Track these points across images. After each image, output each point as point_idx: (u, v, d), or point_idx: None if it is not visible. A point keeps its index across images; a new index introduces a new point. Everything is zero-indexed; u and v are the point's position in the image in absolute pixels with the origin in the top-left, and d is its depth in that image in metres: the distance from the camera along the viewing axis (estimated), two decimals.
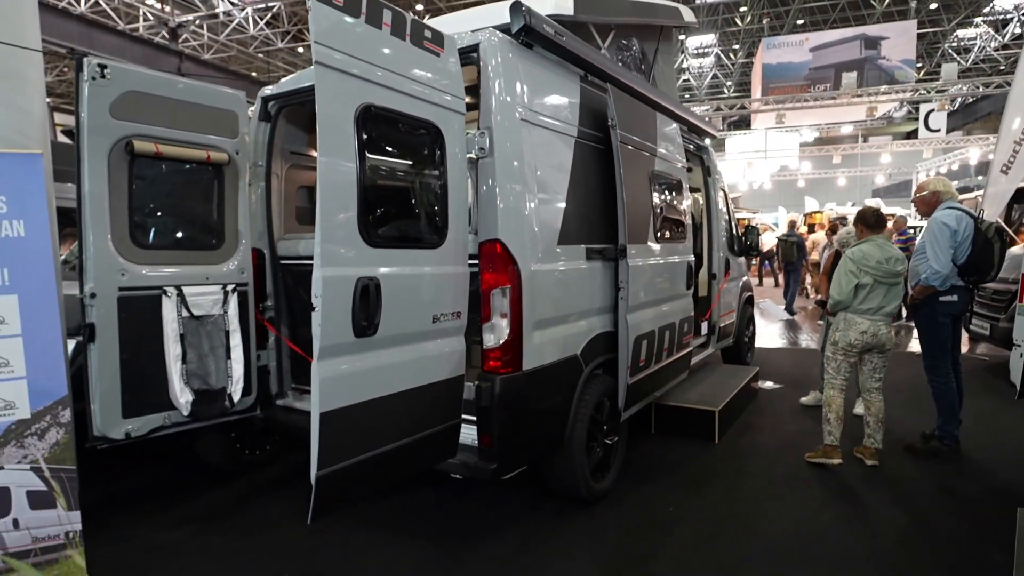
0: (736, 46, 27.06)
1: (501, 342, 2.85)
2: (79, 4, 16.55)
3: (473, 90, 2.96)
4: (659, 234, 4.21)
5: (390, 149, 2.53)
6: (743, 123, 31.27)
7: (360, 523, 3.43)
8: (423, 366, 2.63)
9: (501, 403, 2.84)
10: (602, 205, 3.68)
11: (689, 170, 6.35)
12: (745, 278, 7.34)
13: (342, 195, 2.25)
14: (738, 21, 23.84)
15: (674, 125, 4.80)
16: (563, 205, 3.28)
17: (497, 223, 2.81)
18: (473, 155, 2.86)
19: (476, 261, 2.90)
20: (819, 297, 5.02)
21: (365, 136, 2.34)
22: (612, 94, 3.58)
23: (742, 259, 7.08)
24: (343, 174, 2.26)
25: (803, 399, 5.77)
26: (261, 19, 20.03)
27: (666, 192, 4.47)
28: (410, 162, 2.64)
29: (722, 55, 28.09)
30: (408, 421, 2.58)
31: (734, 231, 6.79)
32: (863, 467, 4.19)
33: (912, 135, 29.29)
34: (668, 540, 3.26)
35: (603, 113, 3.71)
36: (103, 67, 3.00)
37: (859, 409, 4.88)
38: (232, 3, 19.28)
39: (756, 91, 20.20)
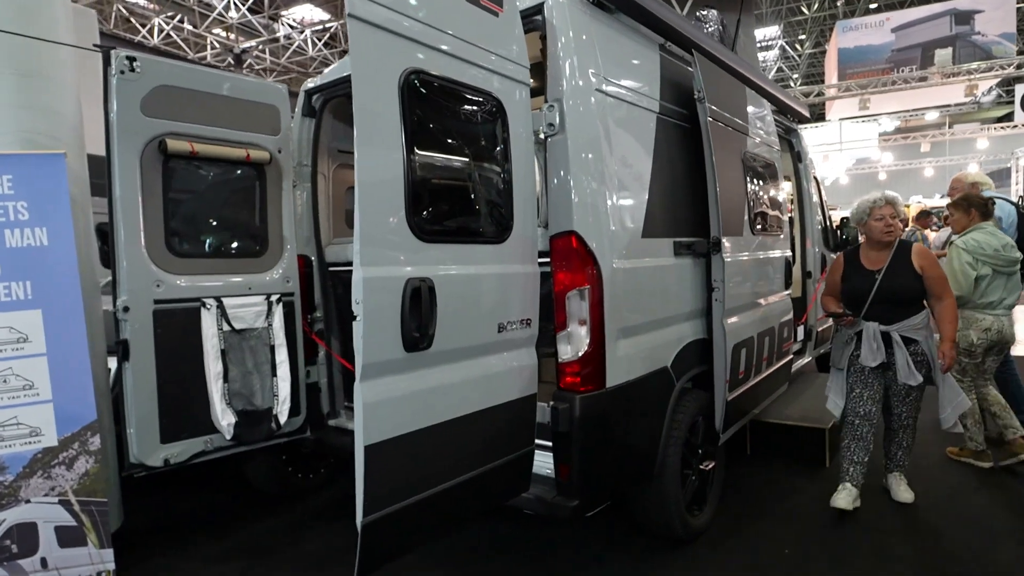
0: (803, 36, 25.59)
1: (580, 354, 2.38)
2: (152, 37, 17.31)
3: (536, 69, 2.52)
4: (755, 225, 3.64)
5: (442, 124, 2.12)
6: (814, 115, 29.54)
7: (421, 559, 3.01)
8: (488, 385, 2.19)
9: (582, 427, 2.36)
10: (690, 192, 3.16)
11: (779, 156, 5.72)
12: None
13: (386, 177, 1.84)
14: (804, 10, 22.51)
15: (764, 102, 4.20)
16: (647, 191, 2.78)
17: (572, 213, 2.35)
18: (541, 133, 2.41)
19: (547, 259, 2.44)
20: None
21: (412, 107, 1.93)
22: (698, 63, 3.06)
23: (837, 255, 6.32)
24: (386, 151, 1.85)
25: None
26: (319, 40, 20.44)
27: (760, 177, 3.88)
28: (467, 141, 2.22)
29: (787, 47, 26.66)
30: (472, 452, 2.14)
31: (828, 223, 6.06)
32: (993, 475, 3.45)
33: (1004, 120, 26.82)
34: None
35: (687, 86, 3.19)
36: (132, 59, 2.73)
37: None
38: (291, 26, 19.77)
39: (831, 79, 18.89)
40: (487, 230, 2.23)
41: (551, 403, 2.39)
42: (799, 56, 27.53)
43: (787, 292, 4.23)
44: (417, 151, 1.94)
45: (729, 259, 3.16)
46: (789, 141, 5.39)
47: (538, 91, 2.52)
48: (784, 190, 4.28)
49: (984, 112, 30.04)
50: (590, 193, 2.42)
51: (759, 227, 3.71)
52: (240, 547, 3.27)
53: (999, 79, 16.24)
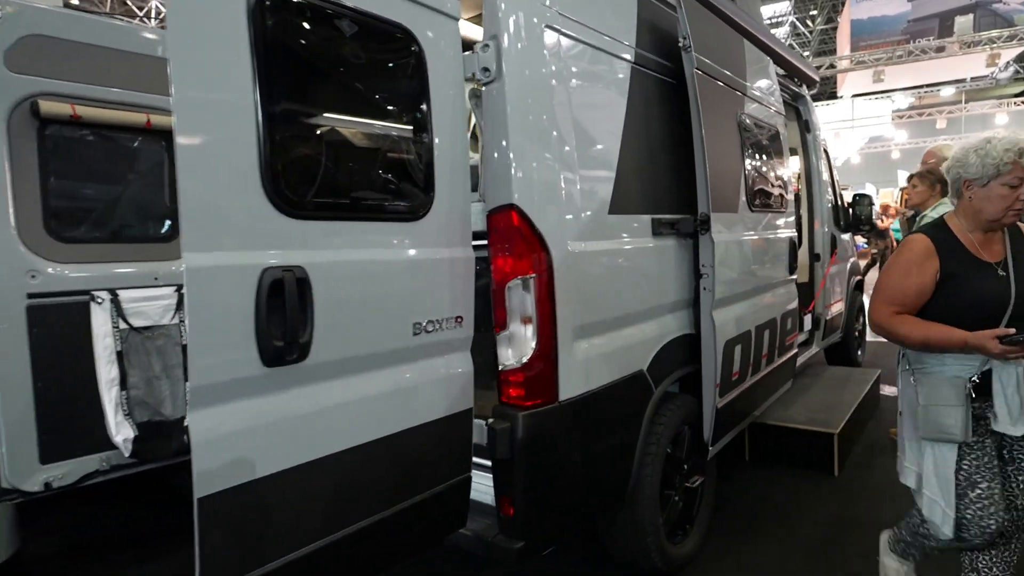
0: (814, 11, 24.62)
1: (524, 360, 1.89)
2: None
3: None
4: (753, 201, 3.12)
5: (320, 61, 1.60)
6: (824, 93, 28.62)
7: None
8: (400, 402, 1.70)
9: (527, 453, 1.88)
10: (674, 160, 2.64)
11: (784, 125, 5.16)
12: (853, 259, 6.02)
13: (225, 124, 1.33)
14: None
15: (767, 60, 3.65)
16: (616, 158, 2.27)
17: (511, 182, 1.85)
18: (474, 80, 1.90)
19: (485, 241, 1.95)
20: None
21: (270, 33, 1.42)
22: (684, 4, 2.54)
23: (848, 236, 5.77)
24: (225, 85, 1.33)
25: None
26: None
27: (761, 145, 3.35)
28: (360, 85, 1.70)
29: (798, 23, 25.68)
30: (378, 490, 1.67)
31: (839, 201, 5.50)
32: None
33: (1021, 95, 25.78)
34: None
35: (671, 32, 2.66)
36: None
37: None
38: None
39: (844, 52, 18.06)
40: (394, 203, 1.72)
41: (488, 421, 1.91)
42: (810, 32, 26.55)
43: (792, 278, 3.72)
44: (278, 94, 1.44)
45: (721, 240, 2.65)
46: (796, 108, 4.83)
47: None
48: (789, 161, 3.75)
49: (1001, 88, 28.94)
50: (536, 157, 1.92)
51: (758, 203, 3.19)
52: (170, 570, 2.83)
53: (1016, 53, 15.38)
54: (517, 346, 1.90)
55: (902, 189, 3.88)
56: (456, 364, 1.87)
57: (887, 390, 5.22)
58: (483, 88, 1.89)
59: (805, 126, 4.88)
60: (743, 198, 2.97)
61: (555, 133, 1.98)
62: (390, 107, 1.76)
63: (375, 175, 1.70)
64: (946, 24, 15.39)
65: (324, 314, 1.47)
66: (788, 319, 3.61)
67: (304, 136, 1.56)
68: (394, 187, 1.73)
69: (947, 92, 26.92)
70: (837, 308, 5.29)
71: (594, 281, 2.12)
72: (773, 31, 26.07)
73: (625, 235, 2.29)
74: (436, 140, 1.77)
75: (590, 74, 2.21)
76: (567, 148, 2.03)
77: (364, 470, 1.61)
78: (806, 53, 29.21)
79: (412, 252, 1.72)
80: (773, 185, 3.48)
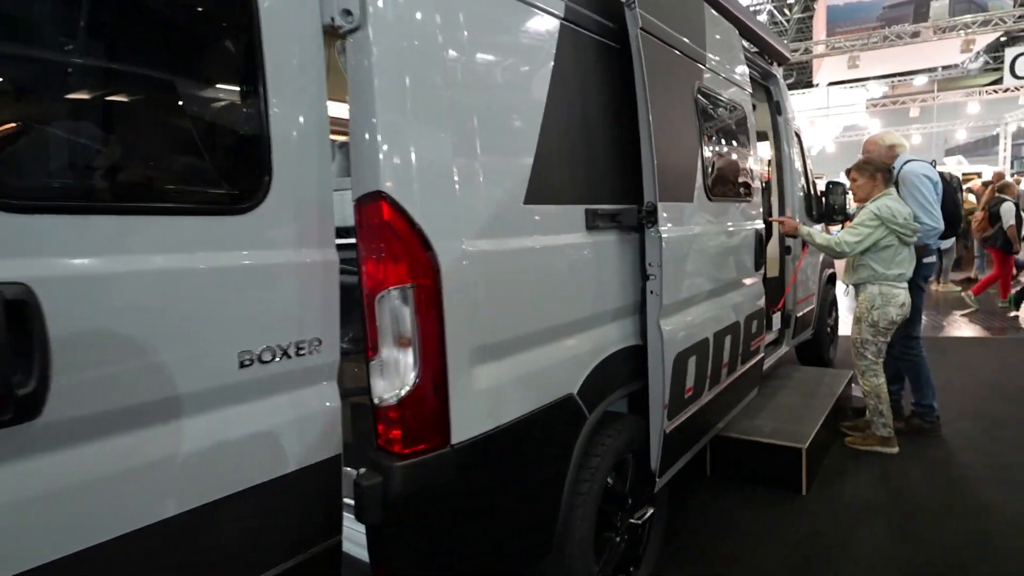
0: (791, 0, 24.35)
1: (402, 394, 1.46)
2: None
3: None
4: (713, 189, 2.71)
5: None
6: (801, 83, 28.47)
7: None
8: (217, 460, 1.26)
9: (405, 516, 1.46)
10: (614, 139, 2.22)
11: (752, 108, 4.77)
12: None
13: None
14: None
15: (732, 30, 3.24)
16: (535, 135, 1.83)
17: (379, 163, 1.41)
18: (334, 28, 1.45)
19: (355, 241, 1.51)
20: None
21: None
22: None
23: (821, 226, 5.43)
24: None
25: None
26: None
27: (723, 124, 2.95)
28: (144, 24, 1.22)
29: (775, 11, 25.41)
30: (208, 568, 1.23)
31: (812, 190, 5.15)
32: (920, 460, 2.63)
33: (991, 84, 25.93)
34: None
35: None
36: None
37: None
38: None
39: (819, 38, 17.80)
40: (202, 190, 1.27)
41: (359, 473, 1.48)
42: (788, 21, 26.33)
43: (759, 275, 3.34)
44: None
45: (671, 235, 2.24)
46: (767, 88, 4.44)
47: None
48: (757, 146, 3.35)
49: (972, 79, 29.13)
50: (417, 131, 1.47)
51: (719, 192, 2.79)
52: None
53: (999, 34, 15.24)
54: (392, 376, 1.46)
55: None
56: (313, 400, 1.42)
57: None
58: (348, 37, 1.43)
59: (776, 108, 4.50)
60: (700, 186, 2.56)
61: (446, 100, 1.54)
62: (188, 56, 1.28)
63: (165, 149, 1.23)
64: (921, 11, 15.18)
65: (69, 351, 1.02)
66: (754, 321, 3.23)
67: (32, 89, 1.09)
68: (201, 167, 1.27)
69: (920, 82, 26.96)
70: (808, 304, 4.95)
71: (503, 288, 1.69)
72: None
73: (547, 230, 1.86)
74: (273, 106, 1.31)
75: (501, 27, 1.76)
76: (465, 120, 1.59)
77: (179, 544, 1.16)
78: (784, 42, 28.94)
79: (235, 256, 1.27)
80: (737, 171, 3.08)
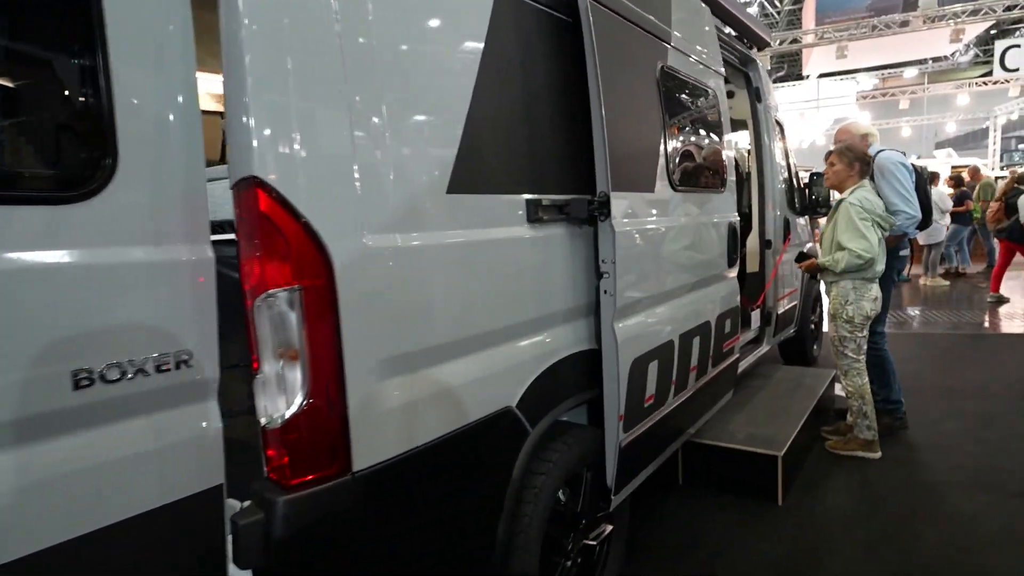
0: None
1: (289, 415, 1.24)
2: None
3: None
4: (678, 178, 2.50)
5: None
6: (792, 75, 28.34)
7: None
8: (56, 498, 1.04)
9: (294, 561, 1.25)
10: (563, 122, 2.00)
11: (731, 95, 4.56)
12: (810, 244, 5.50)
13: None
14: None
15: (703, 6, 3.02)
16: (464, 111, 1.61)
17: (253, 143, 1.18)
18: None
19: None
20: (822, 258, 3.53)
21: None
22: None
23: (805, 219, 5.24)
24: None
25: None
26: None
27: (691, 109, 2.74)
28: None
29: (766, 3, 25.21)
30: None
31: (795, 181, 4.95)
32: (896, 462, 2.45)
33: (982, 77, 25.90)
34: None
35: None
36: None
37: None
38: None
39: (809, 27, 17.62)
40: (21, 171, 1.04)
41: (241, 507, 1.27)
42: (778, 14, 26.15)
43: (733, 271, 3.14)
44: None
45: (627, 228, 2.04)
46: (745, 74, 4.22)
47: None
48: (730, 130, 3.14)
49: (962, 72, 29.08)
50: (299, 111, 1.25)
51: (685, 181, 2.58)
52: None
53: (989, 23, 15.08)
54: (276, 393, 1.25)
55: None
56: (183, 423, 1.20)
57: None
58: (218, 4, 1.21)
59: (756, 95, 4.29)
60: (663, 174, 2.35)
61: (343, 76, 1.31)
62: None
63: None
64: (910, 0, 15.04)
65: None
66: (727, 321, 3.03)
67: None
68: (15, 143, 1.05)
69: (910, 74, 26.86)
70: (791, 300, 4.76)
71: (421, 290, 1.47)
72: None
73: (478, 223, 1.65)
74: (117, 72, 1.09)
75: None
76: (370, 98, 1.37)
77: None
78: (775, 34, 28.77)
79: (65, 255, 1.04)
80: (708, 160, 2.87)
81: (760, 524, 2.85)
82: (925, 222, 3.63)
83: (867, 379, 3.45)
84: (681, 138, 2.56)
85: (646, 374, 2.18)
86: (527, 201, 1.81)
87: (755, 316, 4.11)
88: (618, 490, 2.11)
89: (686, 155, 2.60)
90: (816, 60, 18.56)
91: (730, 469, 3.13)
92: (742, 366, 3.84)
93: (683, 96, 2.63)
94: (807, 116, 24.12)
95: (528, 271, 1.83)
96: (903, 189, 3.41)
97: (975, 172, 9.89)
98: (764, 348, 4.28)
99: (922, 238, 9.26)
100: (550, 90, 1.95)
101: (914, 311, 7.72)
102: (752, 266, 4.43)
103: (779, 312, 4.44)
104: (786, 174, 4.75)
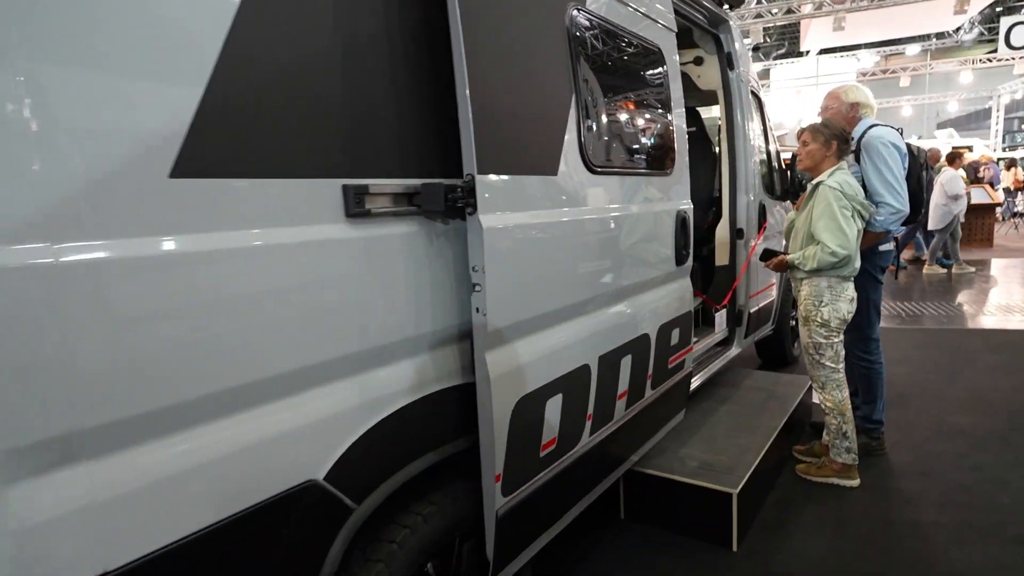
0: None
1: None
2: None
3: None
4: (595, 155, 1.95)
5: None
6: (793, 53, 27.52)
7: None
8: None
9: None
10: (412, 76, 1.45)
11: (698, 61, 3.99)
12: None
13: None
14: None
15: None
16: (211, 56, 1.06)
17: None
18: None
19: None
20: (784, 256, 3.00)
21: None
22: None
23: (789, 205, 4.70)
24: None
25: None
26: None
27: (621, 69, 2.18)
28: None
29: None
30: None
31: (774, 162, 4.40)
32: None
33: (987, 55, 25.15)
34: None
35: None
36: None
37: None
38: None
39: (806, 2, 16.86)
40: None
41: None
42: None
43: (684, 269, 2.61)
44: None
45: (506, 223, 1.51)
46: (715, 36, 3.64)
47: None
48: (683, 101, 2.57)
49: (966, 51, 28.27)
50: None
51: (610, 160, 2.04)
52: None
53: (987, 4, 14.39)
54: None
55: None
56: None
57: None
58: None
59: (728, 61, 3.71)
60: (573, 152, 1.81)
61: None
62: None
63: None
64: None
65: None
66: (675, 330, 2.51)
67: None
68: None
69: (912, 52, 26.07)
70: (767, 295, 4.25)
71: (125, 327, 0.94)
72: None
73: (244, 221, 1.11)
74: None
75: None
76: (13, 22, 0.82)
77: None
78: (774, 10, 27.93)
79: None
80: (648, 135, 2.32)
81: (709, 574, 2.37)
82: (914, 215, 3.09)
83: (847, 393, 2.95)
84: (605, 107, 2.01)
85: (541, 415, 1.67)
86: (344, 187, 1.27)
87: (720, 317, 3.59)
88: (499, 569, 1.60)
89: (613, 129, 2.06)
90: (814, 35, 17.79)
91: (678, 505, 2.64)
92: (706, 374, 3.34)
93: (609, 52, 2.07)
94: (805, 94, 23.36)
95: (347, 288, 1.29)
96: (891, 176, 2.87)
97: (937, 156, 9.34)
98: (733, 352, 3.77)
99: (933, 222, 8.65)
100: (387, 24, 1.39)
101: (904, 303, 7.21)
102: (722, 259, 3.90)
103: (752, 310, 3.93)
104: (764, 153, 4.20)
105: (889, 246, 3.14)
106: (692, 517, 2.61)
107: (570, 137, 1.78)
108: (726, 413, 3.31)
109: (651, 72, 2.34)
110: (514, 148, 1.55)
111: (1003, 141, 24.66)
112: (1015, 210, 15.40)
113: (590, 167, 1.87)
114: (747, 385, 3.79)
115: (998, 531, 2.55)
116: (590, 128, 1.89)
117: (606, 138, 2.00)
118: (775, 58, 27.56)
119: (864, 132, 3.02)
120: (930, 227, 8.80)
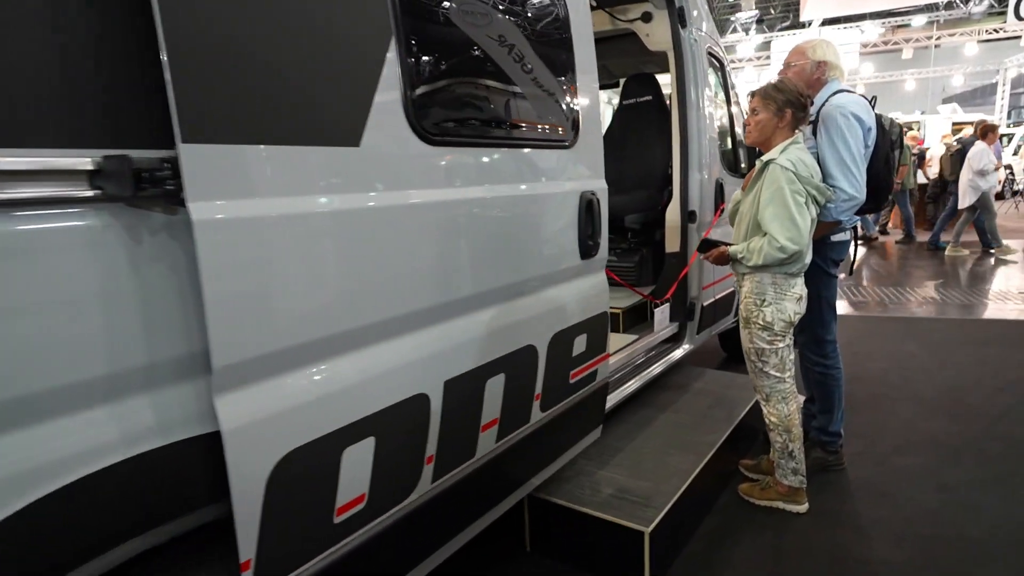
0: None
1: None
2: None
3: None
4: (433, 120, 1.49)
5: None
6: (797, 25, 26.64)
7: None
8: None
9: None
10: None
11: (647, 18, 3.49)
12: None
13: None
14: None
15: None
16: None
17: None
18: None
19: None
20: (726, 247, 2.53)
21: None
22: None
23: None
24: None
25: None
26: None
27: (481, 5, 1.70)
28: None
29: None
30: None
31: (736, 135, 3.92)
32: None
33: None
34: None
35: None
36: None
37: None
38: None
39: None
40: None
41: None
42: None
43: (593, 262, 2.16)
44: None
45: (244, 215, 1.06)
46: None
47: None
48: (582, 44, 2.08)
49: (975, 23, 27.32)
50: None
51: (461, 128, 1.58)
52: None
53: None
54: None
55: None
56: None
57: None
58: None
59: (679, 17, 3.20)
60: (393, 113, 1.35)
61: None
62: None
63: None
64: None
65: None
66: (579, 338, 2.08)
67: None
68: None
69: (920, 21, 25.16)
70: (727, 286, 3.80)
71: None
72: None
73: None
74: None
75: None
76: None
77: None
78: None
79: None
80: (530, 96, 1.85)
81: None
82: (876, 204, 2.62)
83: (795, 407, 2.53)
84: (454, 54, 1.54)
85: (333, 470, 1.24)
86: None
87: (661, 312, 3.15)
88: None
89: (469, 85, 1.59)
90: (815, 2, 17.01)
91: (586, 540, 2.24)
92: (640, 380, 2.92)
93: None
94: None
95: None
96: (847, 155, 2.39)
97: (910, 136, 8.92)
98: (681, 351, 3.34)
99: (962, 200, 8.07)
100: None
101: (881, 288, 6.76)
102: (672, 245, 3.45)
103: (707, 303, 3.50)
104: (724, 125, 3.72)
105: (843, 236, 2.67)
106: (603, 554, 2.21)
107: (387, 94, 1.32)
108: (663, 424, 2.89)
109: (539, 15, 1.86)
110: (268, 102, 1.10)
111: (1008, 117, 23.92)
112: (1017, 188, 14.84)
113: (425, 136, 1.42)
114: (696, 388, 3.37)
115: (959, 568, 2.14)
116: (425, 81, 1.43)
117: (456, 97, 1.54)
118: (779, 30, 26.72)
119: (826, 100, 2.55)
120: (960, 205, 8.27)
